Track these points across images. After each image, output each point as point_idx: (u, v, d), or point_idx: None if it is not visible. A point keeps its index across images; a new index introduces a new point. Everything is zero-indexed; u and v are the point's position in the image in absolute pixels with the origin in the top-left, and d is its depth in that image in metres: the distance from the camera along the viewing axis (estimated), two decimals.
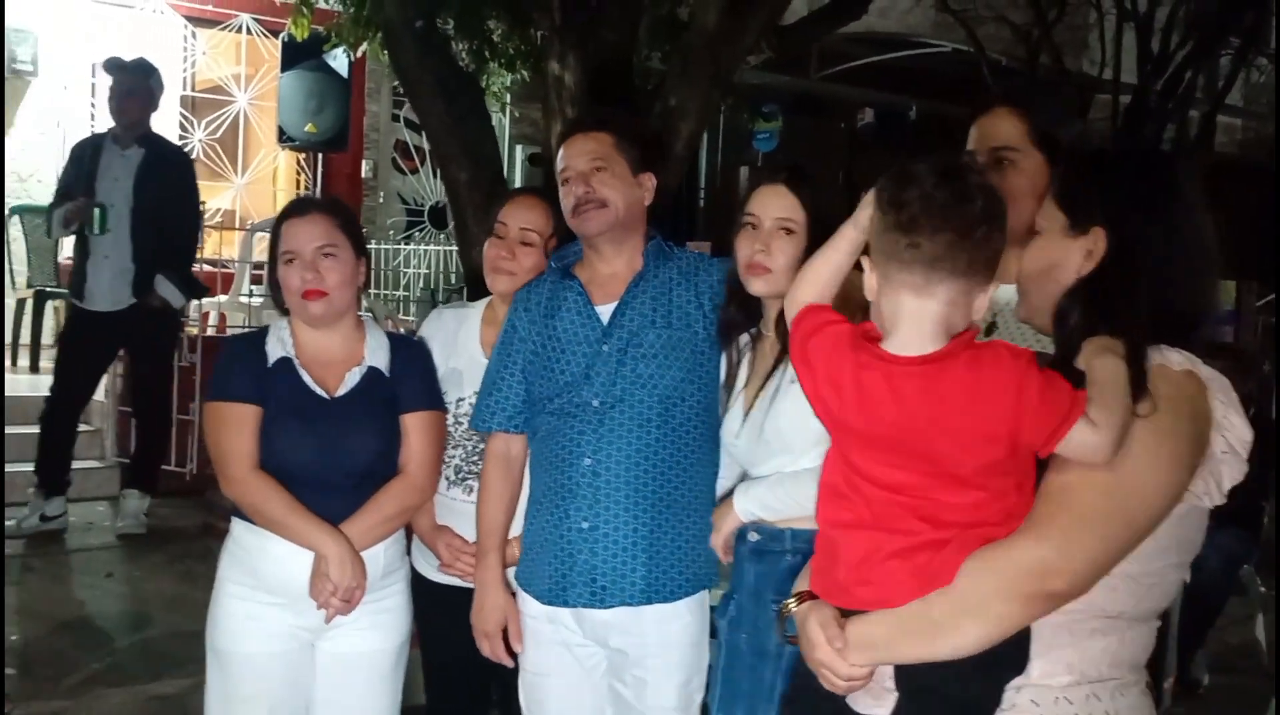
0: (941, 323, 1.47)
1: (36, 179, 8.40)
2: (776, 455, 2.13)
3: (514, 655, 2.42)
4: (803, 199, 2.11)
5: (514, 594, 2.44)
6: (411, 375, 2.49)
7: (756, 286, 2.13)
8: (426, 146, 9.94)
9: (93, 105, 8.21)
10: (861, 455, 1.50)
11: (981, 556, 1.40)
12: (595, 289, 2.37)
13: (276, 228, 2.47)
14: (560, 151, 2.40)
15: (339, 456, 2.37)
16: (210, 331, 6.60)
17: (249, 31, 8.89)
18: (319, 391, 2.39)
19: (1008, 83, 8.89)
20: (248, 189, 9.39)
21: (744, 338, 2.28)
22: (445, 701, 2.77)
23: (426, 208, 10.12)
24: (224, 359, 2.43)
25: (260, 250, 8.24)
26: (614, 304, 2.33)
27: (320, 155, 9.30)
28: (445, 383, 2.60)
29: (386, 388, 2.44)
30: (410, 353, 2.53)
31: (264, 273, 7.15)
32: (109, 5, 8.39)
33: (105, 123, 5.50)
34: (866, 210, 1.60)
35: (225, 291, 7.81)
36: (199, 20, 8.82)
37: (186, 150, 7.50)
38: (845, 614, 1.54)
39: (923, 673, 1.48)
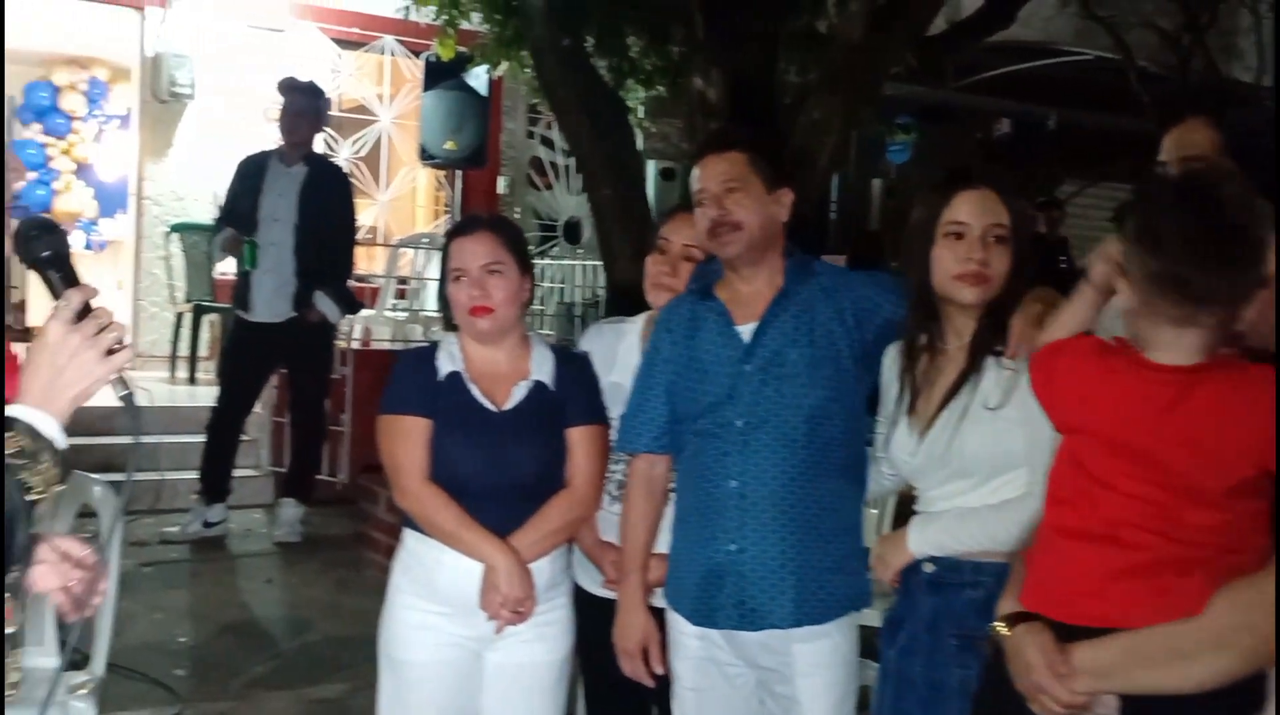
0: (1204, 343, 1.42)
1: (193, 198, 8.78)
2: (955, 479, 2.09)
3: (655, 674, 2.42)
4: (1009, 205, 2.08)
5: (661, 610, 2.46)
6: (577, 390, 2.52)
7: (971, 295, 2.07)
8: (561, 162, 10.12)
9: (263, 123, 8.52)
10: (1101, 464, 1.46)
11: (1235, 588, 1.35)
12: (736, 308, 2.36)
13: (446, 246, 2.54)
14: (695, 172, 2.40)
15: (506, 469, 2.41)
16: (355, 345, 6.76)
17: (392, 53, 9.15)
18: (487, 405, 2.43)
19: (1157, 90, 8.61)
20: (389, 205, 9.64)
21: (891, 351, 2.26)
22: (604, 714, 2.80)
23: (560, 223, 10.24)
24: (396, 373, 2.50)
25: (402, 265, 8.48)
26: (755, 323, 2.32)
27: (459, 172, 9.53)
28: (606, 398, 2.62)
29: (552, 402, 2.48)
30: (575, 367, 2.56)
31: (406, 287, 7.35)
32: (261, 29, 8.71)
33: (248, 140, 5.73)
34: (1102, 266, 1.56)
35: (370, 306, 8.04)
36: (345, 42, 9.10)
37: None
38: (1062, 630, 1.50)
39: (1155, 705, 1.43)
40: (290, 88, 5.38)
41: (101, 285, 5.98)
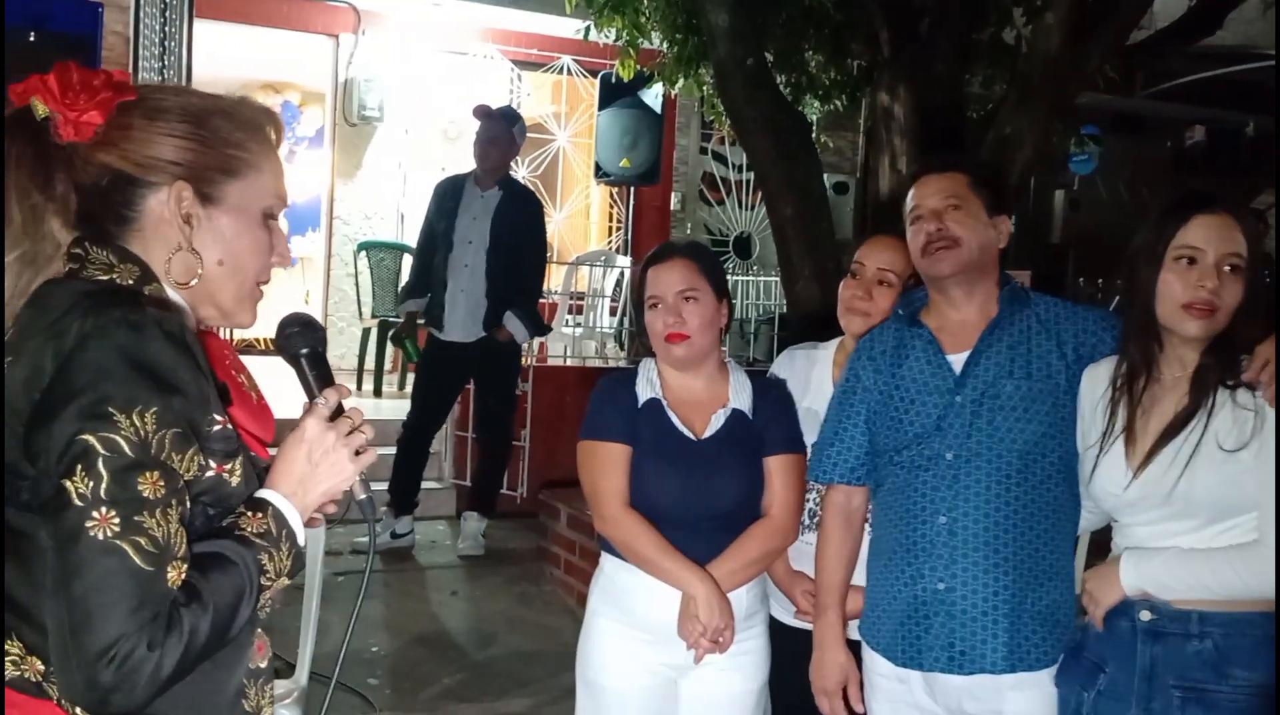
0: None
1: (380, 217, 9.10)
2: (1176, 519, 1.97)
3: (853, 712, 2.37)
4: (1247, 234, 1.96)
5: (855, 644, 2.40)
6: (775, 418, 2.48)
7: (1196, 328, 1.96)
8: (733, 178, 10.11)
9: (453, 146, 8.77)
10: None
11: None
12: (945, 337, 2.28)
13: (642, 273, 2.54)
14: (911, 191, 2.34)
15: (704, 497, 2.40)
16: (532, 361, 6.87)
17: (569, 72, 9.30)
18: (687, 433, 2.43)
19: None
20: (564, 222, 9.80)
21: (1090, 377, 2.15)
22: None
23: (731, 238, 10.23)
24: (596, 399, 2.51)
25: (577, 282, 8.60)
26: (966, 353, 2.24)
27: (632, 189, 9.63)
28: (801, 425, 2.58)
29: (750, 430, 2.45)
30: (773, 395, 2.53)
31: (581, 303, 7.43)
32: (445, 53, 8.98)
33: (433, 161, 5.88)
34: None
35: (547, 321, 8.17)
36: (523, 63, 9.30)
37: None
38: None
39: None
40: (485, 114, 5.50)
41: (292, 299, 6.25)
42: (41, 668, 1.22)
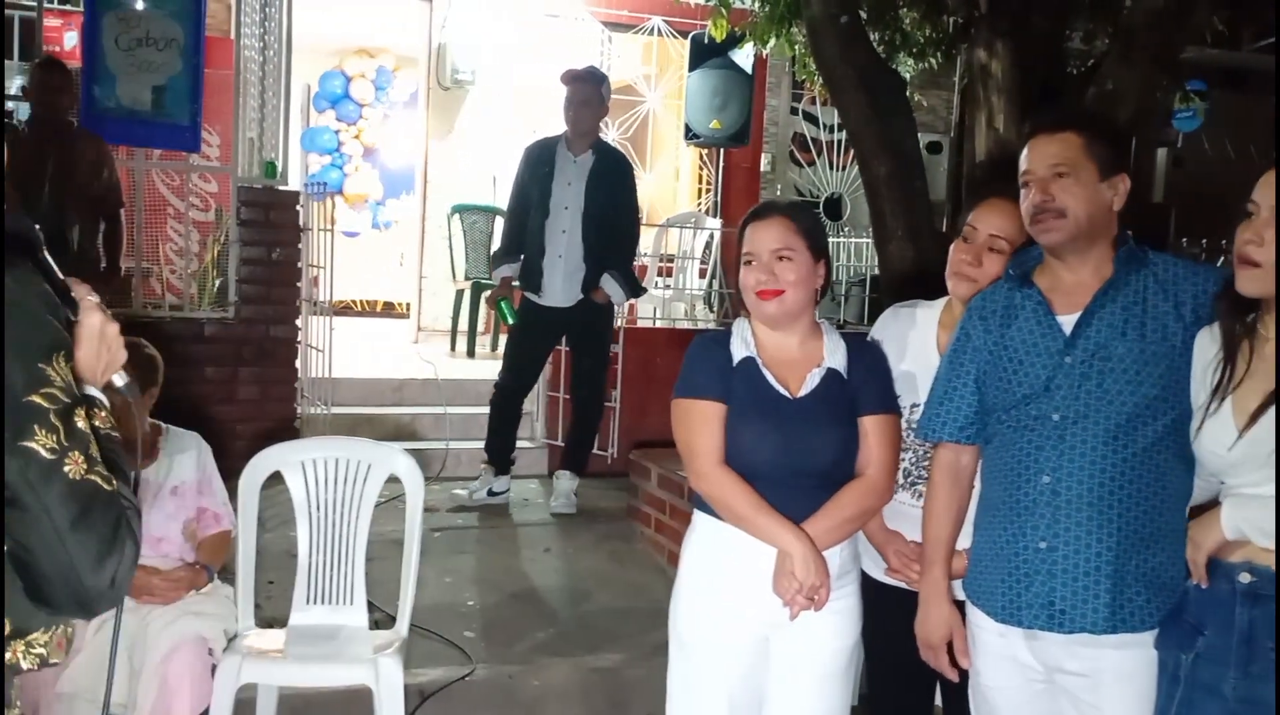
0: None
1: (473, 180, 9.19)
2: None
3: (959, 667, 2.38)
4: None
5: (960, 603, 2.41)
6: (869, 378, 2.48)
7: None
8: (824, 138, 9.99)
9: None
10: None
11: None
12: (1057, 297, 2.25)
13: (741, 231, 2.55)
14: (1024, 152, 2.30)
15: (800, 456, 2.40)
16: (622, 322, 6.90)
17: (659, 33, 9.26)
18: (782, 391, 2.43)
19: None
20: (653, 184, 9.79)
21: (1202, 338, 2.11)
22: (888, 701, 2.77)
23: (822, 199, 10.12)
24: (691, 357, 2.52)
25: (666, 244, 8.60)
26: (1077, 314, 2.21)
27: (722, 150, 9.58)
28: (898, 386, 2.58)
29: (845, 390, 2.45)
30: (868, 355, 2.53)
31: (671, 265, 7.45)
32: (537, 16, 9.00)
33: (525, 125, 5.90)
34: None
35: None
36: (614, 25, 9.28)
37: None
38: None
39: None
40: (573, 78, 5.48)
41: (386, 261, 6.37)
42: None
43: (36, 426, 1.28)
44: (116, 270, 5.57)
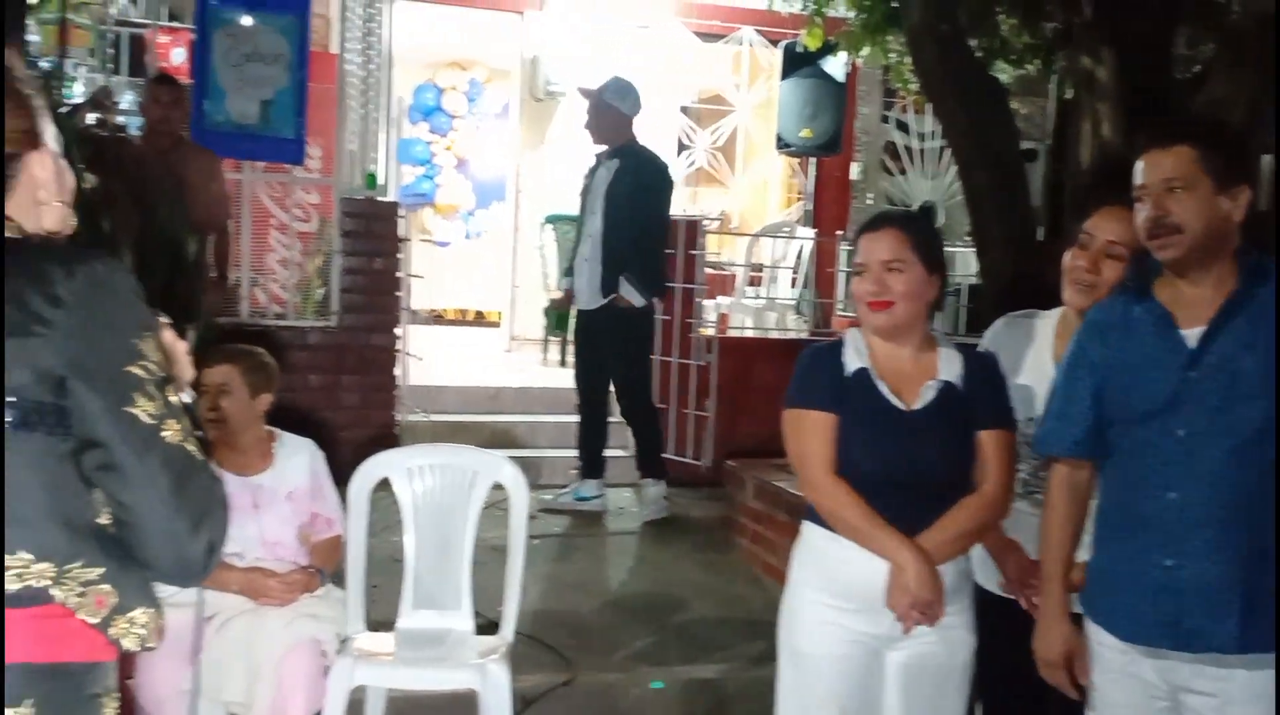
0: None
1: (564, 190, 9.24)
2: None
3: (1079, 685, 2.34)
4: None
5: (1077, 616, 2.36)
6: (986, 391, 2.46)
7: None
8: (916, 147, 9.89)
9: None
10: None
11: None
12: (1179, 310, 2.19)
13: (855, 241, 2.55)
14: (1137, 165, 2.26)
15: (913, 469, 2.39)
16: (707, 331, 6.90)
17: (750, 43, 9.26)
18: (897, 403, 2.42)
19: None
20: (744, 193, 9.79)
21: None
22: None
23: (915, 207, 10.02)
24: (803, 367, 2.52)
25: (756, 253, 8.59)
26: (1201, 328, 2.15)
27: (813, 159, 9.54)
28: (1013, 398, 2.55)
29: (961, 403, 2.43)
30: (984, 368, 2.50)
31: (760, 275, 7.43)
32: (628, 26, 9.05)
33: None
34: None
35: (727, 293, 8.20)
36: (705, 35, 9.30)
37: (668, 160, 7.93)
38: None
39: None
40: (584, 93, 5.78)
41: (477, 271, 6.51)
42: (54, 572, 1.37)
43: (137, 394, 1.36)
44: (225, 280, 5.73)
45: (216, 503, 1.44)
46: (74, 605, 1.38)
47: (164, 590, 3.14)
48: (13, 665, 1.35)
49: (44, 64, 5.60)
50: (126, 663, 2.88)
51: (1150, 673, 2.20)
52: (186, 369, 1.56)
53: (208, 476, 1.44)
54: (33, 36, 6.31)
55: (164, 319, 1.53)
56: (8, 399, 1.33)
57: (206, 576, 1.47)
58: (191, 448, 1.41)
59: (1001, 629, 2.53)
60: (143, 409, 1.36)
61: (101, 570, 1.39)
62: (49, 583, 1.37)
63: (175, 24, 8.01)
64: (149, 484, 1.36)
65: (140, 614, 1.44)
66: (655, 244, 5.73)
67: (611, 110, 5.64)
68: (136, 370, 1.37)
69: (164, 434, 1.38)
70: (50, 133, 1.50)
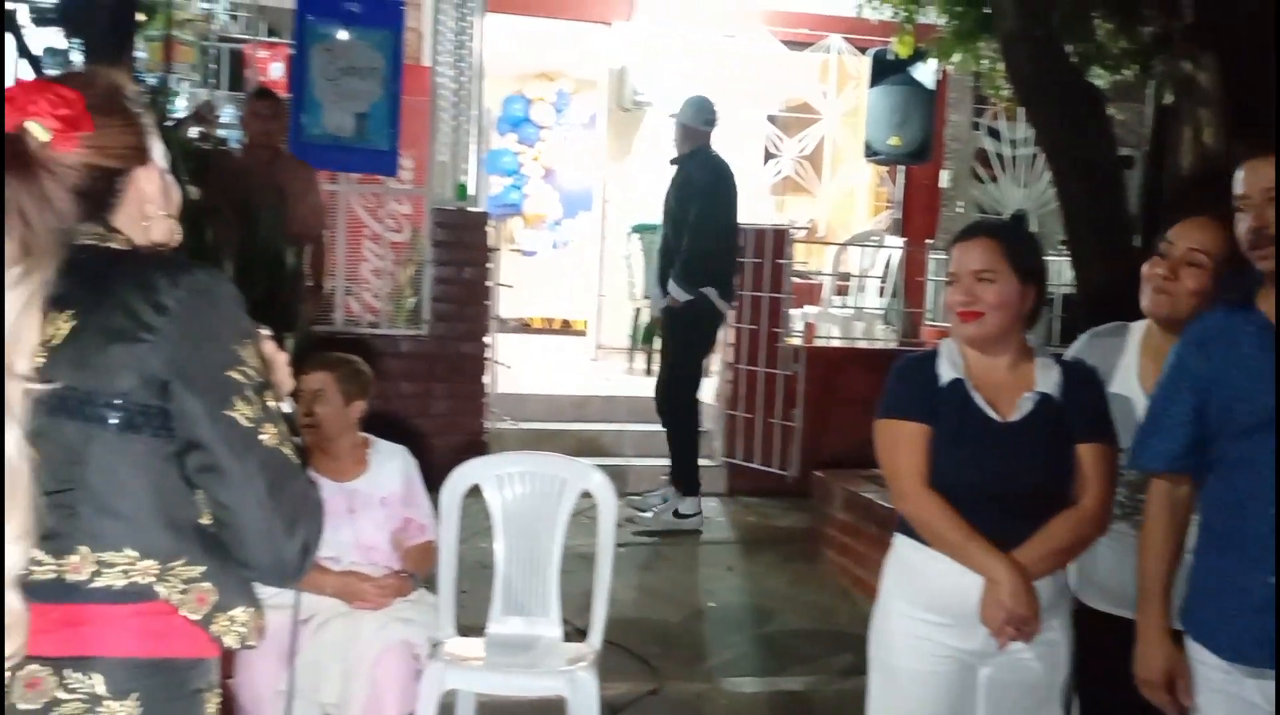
0: None
1: (651, 199, 9.28)
2: None
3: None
4: None
5: (1177, 632, 2.30)
6: (1085, 404, 2.41)
7: None
8: (1008, 154, 9.74)
9: None
10: None
11: None
12: None
13: (948, 249, 2.52)
14: (1239, 174, 2.19)
15: (1009, 482, 2.35)
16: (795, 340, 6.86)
17: (838, 51, 9.21)
18: (993, 415, 2.38)
19: None
20: (831, 202, 9.73)
21: None
22: None
23: (1006, 215, 9.86)
24: (895, 379, 2.50)
25: (844, 262, 8.53)
26: None
27: (901, 167, 9.45)
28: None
29: (1059, 415, 2.38)
30: (1083, 381, 2.45)
31: (847, 284, 7.39)
32: (715, 36, 9.06)
33: None
34: None
35: (813, 302, 8.15)
36: (793, 43, 9.27)
37: (752, 169, 7.98)
38: None
39: None
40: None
41: (563, 280, 6.62)
42: (158, 568, 1.42)
43: (236, 399, 1.41)
44: (320, 289, 5.85)
45: (312, 505, 1.48)
46: (176, 602, 1.42)
47: (263, 591, 3.20)
48: (120, 659, 1.40)
49: (150, 80, 5.77)
50: (226, 662, 2.96)
51: (1254, 693, 2.14)
52: (286, 378, 1.60)
53: (304, 480, 1.48)
54: (140, 53, 6.52)
55: (264, 329, 1.58)
56: (114, 401, 1.39)
57: (302, 577, 1.51)
58: (288, 451, 1.45)
59: (1101, 645, 2.48)
60: (241, 413, 1.40)
61: (203, 569, 1.44)
62: (153, 580, 1.42)
63: (274, 39, 8.22)
64: (246, 485, 1.41)
65: (240, 612, 1.48)
66: (704, 241, 5.74)
67: (680, 124, 5.87)
68: (236, 375, 1.41)
69: (261, 437, 1.42)
70: (158, 148, 1.57)
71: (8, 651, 1.34)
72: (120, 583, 1.40)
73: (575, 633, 3.62)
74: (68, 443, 1.38)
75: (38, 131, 1.39)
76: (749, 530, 5.57)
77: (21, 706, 1.38)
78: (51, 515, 1.37)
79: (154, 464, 1.41)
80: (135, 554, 1.41)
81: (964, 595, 2.33)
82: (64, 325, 1.38)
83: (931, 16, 6.35)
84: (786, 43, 9.26)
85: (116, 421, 1.38)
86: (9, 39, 5.59)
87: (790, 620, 4.47)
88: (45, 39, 6.43)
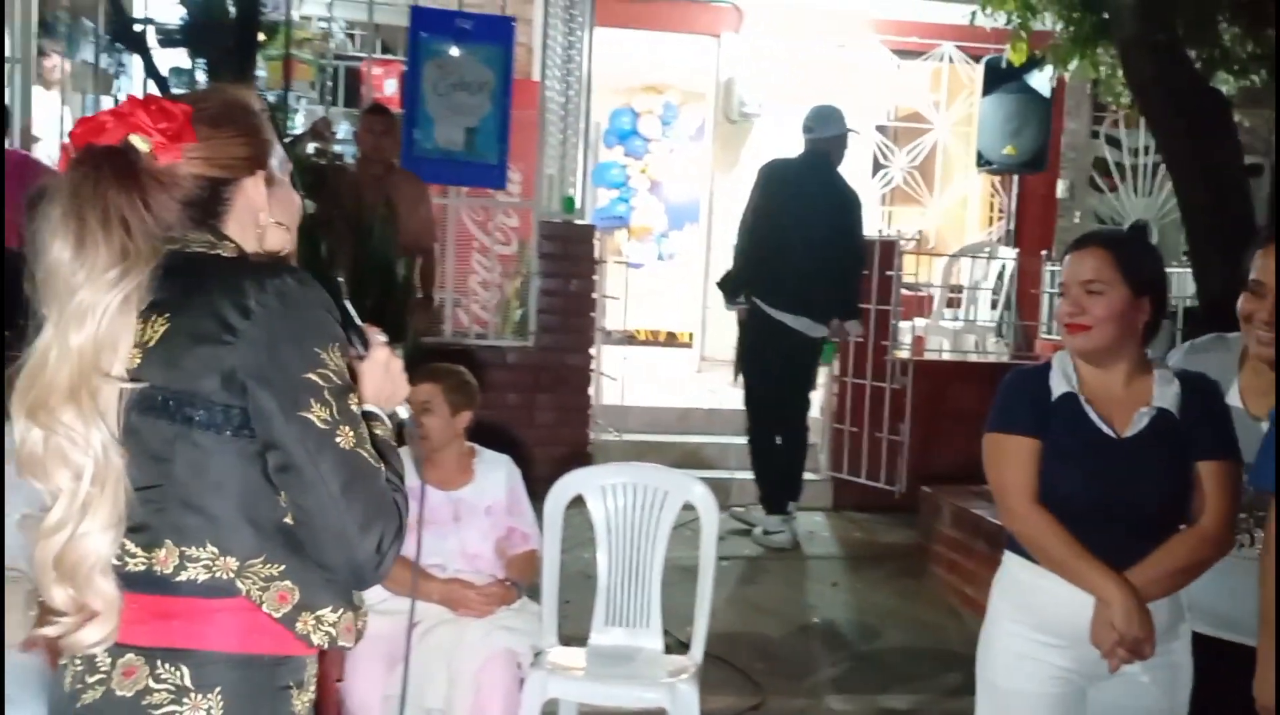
0: None
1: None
2: None
3: None
4: None
5: None
6: (1206, 420, 2.32)
7: None
8: (1128, 163, 9.47)
9: None
10: None
11: None
12: None
13: (1062, 260, 2.46)
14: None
15: (1123, 500, 2.28)
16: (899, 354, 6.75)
17: (950, 59, 9.06)
18: (1106, 430, 2.31)
19: None
20: (942, 213, 9.57)
21: None
22: None
23: (1125, 226, 9.58)
24: (1005, 391, 2.44)
25: (955, 274, 8.38)
26: None
27: (1015, 177, 9.26)
28: None
29: (1178, 432, 2.30)
30: (1204, 394, 2.36)
31: (960, 297, 7.27)
32: (824, 46, 9.00)
33: None
34: None
35: (922, 315, 8.02)
36: (903, 52, 9.16)
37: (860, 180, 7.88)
38: None
39: None
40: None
41: (669, 292, 6.66)
42: (236, 565, 1.44)
43: (312, 400, 1.42)
44: (430, 300, 5.95)
45: (388, 507, 1.48)
46: (257, 598, 1.45)
47: (373, 597, 3.25)
48: (206, 653, 1.44)
49: (270, 97, 5.96)
50: (336, 664, 3.02)
51: None
52: (403, 386, 1.63)
53: (379, 483, 1.48)
54: (260, 72, 6.73)
55: (381, 336, 1.61)
56: (199, 401, 1.43)
57: (380, 579, 1.50)
58: (364, 453, 1.46)
59: (1220, 674, 2.39)
60: (316, 414, 1.42)
61: (283, 566, 1.46)
62: (233, 575, 1.45)
63: (389, 56, 8.41)
64: (320, 485, 1.42)
65: (329, 613, 1.50)
66: (738, 253, 5.81)
67: (840, 135, 5.80)
68: (314, 377, 1.43)
69: (336, 439, 1.43)
70: (276, 160, 1.61)
71: (102, 634, 1.42)
72: (203, 577, 1.44)
73: (677, 645, 3.61)
74: (158, 440, 1.43)
75: (138, 143, 1.46)
76: (854, 545, 5.49)
77: (119, 694, 1.43)
78: (143, 509, 1.44)
79: (237, 463, 1.44)
80: (216, 550, 1.44)
81: (1075, 615, 2.26)
82: (159, 327, 1.43)
83: (1047, 23, 6.20)
84: (897, 51, 9.15)
85: (201, 421, 1.43)
86: (138, 60, 5.83)
87: (896, 638, 4.40)
88: (171, 59, 6.69)
